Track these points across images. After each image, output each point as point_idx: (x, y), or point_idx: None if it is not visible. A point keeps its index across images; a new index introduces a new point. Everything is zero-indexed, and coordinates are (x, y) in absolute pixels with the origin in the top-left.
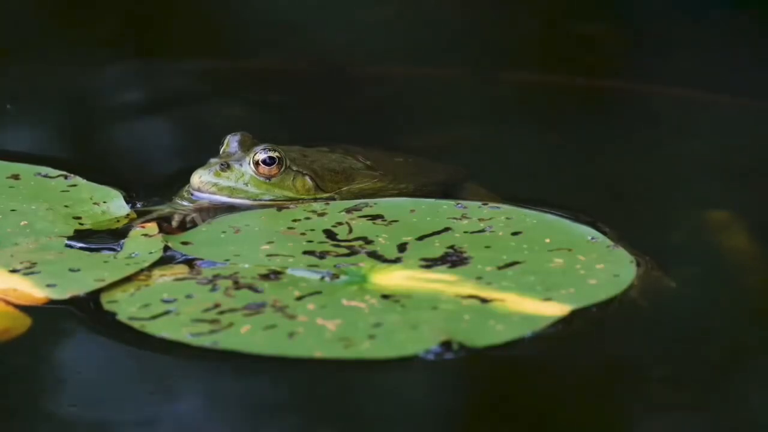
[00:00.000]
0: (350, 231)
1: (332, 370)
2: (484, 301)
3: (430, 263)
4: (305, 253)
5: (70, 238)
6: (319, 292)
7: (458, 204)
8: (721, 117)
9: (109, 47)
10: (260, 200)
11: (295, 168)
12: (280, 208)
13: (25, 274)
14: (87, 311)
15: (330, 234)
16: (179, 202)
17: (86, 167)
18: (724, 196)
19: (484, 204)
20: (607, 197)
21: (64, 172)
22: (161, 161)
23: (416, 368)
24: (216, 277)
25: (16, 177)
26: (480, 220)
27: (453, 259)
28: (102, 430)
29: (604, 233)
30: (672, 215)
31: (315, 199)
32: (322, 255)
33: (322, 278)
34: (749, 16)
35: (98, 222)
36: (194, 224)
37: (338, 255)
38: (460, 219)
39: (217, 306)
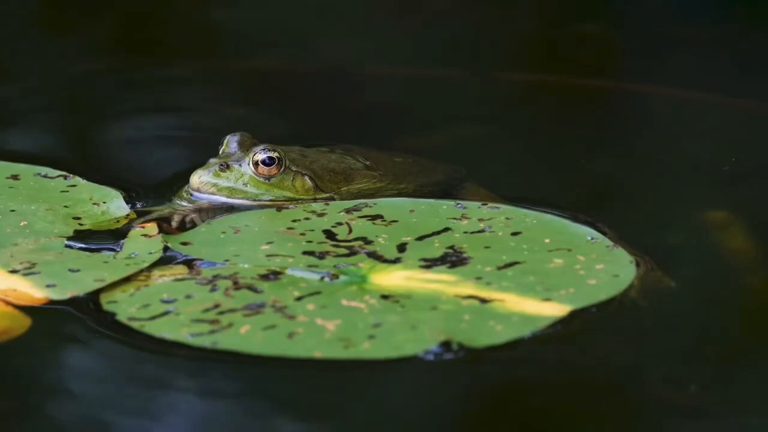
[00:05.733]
0: (350, 231)
1: (332, 370)
2: (483, 301)
3: (429, 263)
4: (305, 253)
5: (69, 239)
6: (318, 293)
7: (458, 204)
8: (721, 117)
9: (110, 47)
10: (260, 200)
11: (294, 168)
12: (279, 209)
13: (25, 274)
14: (87, 312)
15: (330, 234)
16: (179, 202)
17: (86, 167)
18: (724, 196)
19: (483, 204)
20: (607, 197)
21: (64, 172)
22: (161, 161)
23: (416, 368)
24: (216, 277)
25: (15, 177)
26: (480, 220)
27: (453, 260)
28: (101, 430)
29: (604, 233)
30: (672, 215)
31: (314, 200)
32: (321, 255)
33: (322, 278)
34: (748, 16)
35: (98, 222)
36: (194, 225)
37: (338, 255)
38: (460, 219)
39: (216, 306)
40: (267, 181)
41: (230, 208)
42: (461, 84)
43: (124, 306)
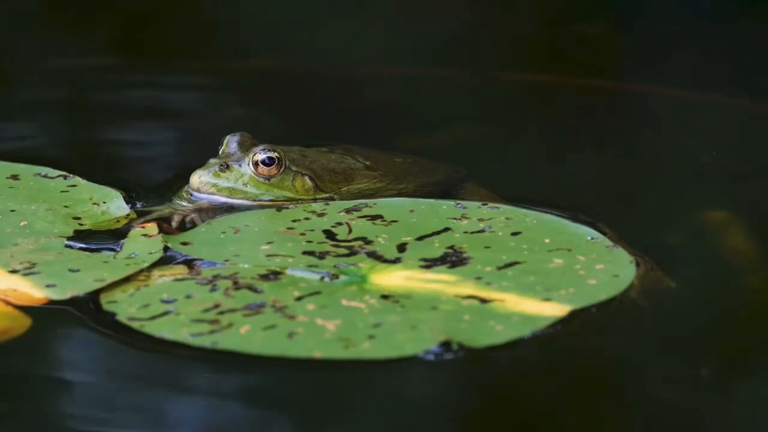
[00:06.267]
0: (350, 231)
1: (332, 370)
2: (483, 301)
3: (429, 263)
4: (305, 253)
5: (69, 239)
6: (318, 293)
7: (458, 204)
8: (720, 117)
9: (110, 47)
10: (260, 201)
11: (294, 168)
12: (279, 209)
13: (25, 274)
14: (87, 312)
15: (330, 234)
16: (179, 202)
17: (86, 167)
18: (724, 196)
19: (483, 204)
20: (606, 197)
21: (64, 172)
22: (161, 161)
23: (416, 368)
24: (216, 277)
25: (15, 177)
26: (480, 220)
27: (453, 260)
28: (101, 430)
29: (603, 233)
30: (672, 215)
31: (314, 200)
32: (321, 255)
33: (322, 278)
34: (748, 16)
35: (98, 222)
36: (194, 225)
37: (338, 255)
38: (460, 219)
39: (216, 306)
40: (267, 181)
41: (230, 208)
42: (461, 84)
43: (124, 306)
